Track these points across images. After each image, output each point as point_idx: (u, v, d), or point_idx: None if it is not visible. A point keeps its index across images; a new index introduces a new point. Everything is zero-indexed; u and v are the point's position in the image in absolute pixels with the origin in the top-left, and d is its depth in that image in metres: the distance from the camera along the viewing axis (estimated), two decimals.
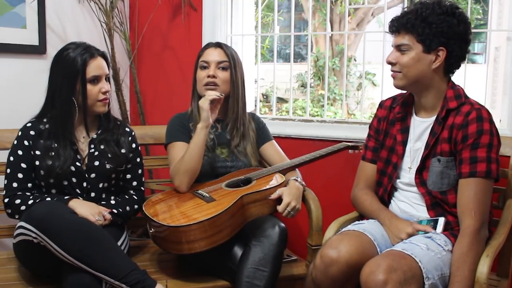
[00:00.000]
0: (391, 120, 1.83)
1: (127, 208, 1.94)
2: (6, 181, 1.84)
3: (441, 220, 1.66)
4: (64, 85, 1.82)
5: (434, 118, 1.71)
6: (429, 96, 1.71)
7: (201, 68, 2.05)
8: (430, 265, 1.48)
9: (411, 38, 1.65)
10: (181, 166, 1.92)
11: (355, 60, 9.25)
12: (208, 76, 2.01)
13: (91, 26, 2.71)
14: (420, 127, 1.74)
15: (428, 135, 1.71)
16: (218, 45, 2.08)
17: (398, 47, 1.68)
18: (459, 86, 1.73)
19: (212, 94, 1.93)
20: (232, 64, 2.04)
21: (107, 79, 1.90)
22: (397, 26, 1.68)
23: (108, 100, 1.89)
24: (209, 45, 2.09)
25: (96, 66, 1.84)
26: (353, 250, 1.53)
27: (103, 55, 1.90)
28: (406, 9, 1.69)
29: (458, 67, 1.71)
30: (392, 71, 1.71)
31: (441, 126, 1.67)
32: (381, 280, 1.39)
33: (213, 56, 2.04)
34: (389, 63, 1.70)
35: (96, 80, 1.84)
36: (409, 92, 1.78)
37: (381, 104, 1.90)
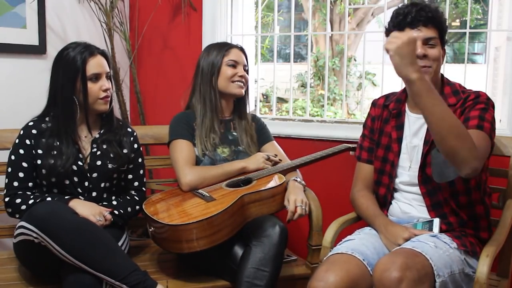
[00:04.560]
0: (385, 118, 1.81)
1: (128, 209, 1.94)
2: (7, 180, 1.84)
3: (436, 221, 1.64)
4: (65, 84, 1.82)
5: None
6: None
7: (230, 66, 2.08)
8: (440, 262, 1.46)
9: (437, 33, 1.64)
10: (203, 173, 1.95)
11: (355, 60, 9.25)
12: (240, 76, 2.08)
13: (91, 26, 2.71)
14: (416, 123, 1.73)
15: (425, 131, 1.70)
16: (241, 48, 2.15)
17: (427, 41, 1.63)
18: (454, 82, 1.74)
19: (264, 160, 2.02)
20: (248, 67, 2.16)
21: (109, 77, 1.90)
22: (425, 18, 1.62)
23: (109, 98, 1.89)
24: (232, 45, 2.13)
25: (96, 64, 1.84)
26: (338, 280, 1.47)
27: (103, 53, 1.90)
28: (414, 2, 1.66)
29: None
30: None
31: None
32: (396, 277, 1.36)
33: (240, 57, 2.11)
34: (423, 56, 1.62)
35: (96, 78, 1.84)
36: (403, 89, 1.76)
37: (374, 103, 1.89)
